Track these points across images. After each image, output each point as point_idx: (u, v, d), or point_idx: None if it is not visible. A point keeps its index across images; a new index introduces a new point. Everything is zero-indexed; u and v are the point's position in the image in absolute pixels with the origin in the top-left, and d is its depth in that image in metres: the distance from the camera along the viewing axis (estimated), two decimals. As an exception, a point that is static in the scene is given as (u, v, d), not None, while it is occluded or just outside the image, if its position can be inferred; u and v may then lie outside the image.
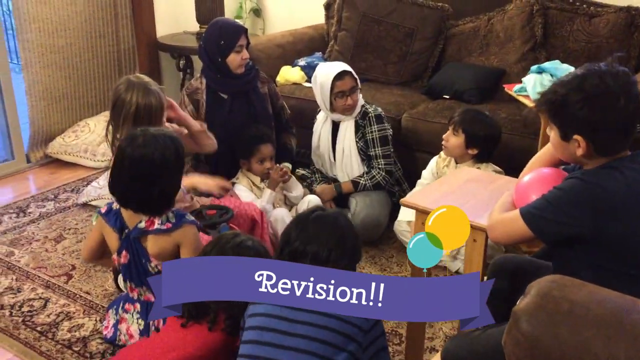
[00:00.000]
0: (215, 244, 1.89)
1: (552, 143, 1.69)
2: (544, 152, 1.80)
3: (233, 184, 2.94)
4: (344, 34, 3.90)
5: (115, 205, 1.98)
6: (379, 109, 3.07)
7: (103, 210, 1.99)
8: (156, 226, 1.90)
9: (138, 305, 2.01)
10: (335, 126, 3.10)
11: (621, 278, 1.55)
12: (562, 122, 1.61)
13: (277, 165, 2.87)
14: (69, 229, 3.18)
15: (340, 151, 3.08)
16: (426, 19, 3.75)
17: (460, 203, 1.83)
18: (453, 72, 3.58)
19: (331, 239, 1.61)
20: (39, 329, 2.43)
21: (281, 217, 2.75)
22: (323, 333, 1.55)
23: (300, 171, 3.38)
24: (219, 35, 2.86)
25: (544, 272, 1.78)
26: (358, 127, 3.03)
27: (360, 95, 3.06)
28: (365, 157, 3.05)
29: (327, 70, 2.99)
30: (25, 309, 2.55)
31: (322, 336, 1.54)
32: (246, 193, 2.87)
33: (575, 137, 1.58)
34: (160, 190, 1.87)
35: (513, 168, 2.93)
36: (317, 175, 3.24)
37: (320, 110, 3.15)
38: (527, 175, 1.77)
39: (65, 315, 2.51)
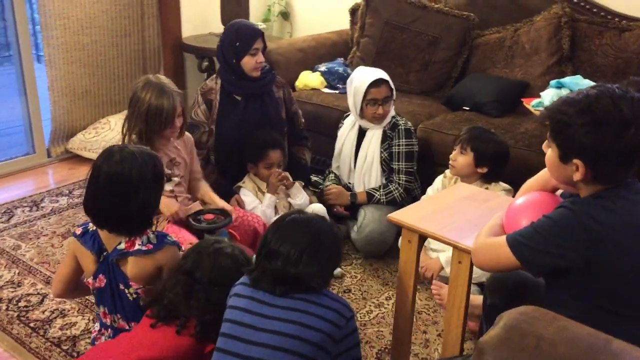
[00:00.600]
0: (193, 249, 1.85)
1: (547, 161, 1.58)
2: (542, 175, 1.69)
3: (239, 187, 2.91)
4: (366, 40, 3.84)
5: (92, 227, 1.92)
6: (409, 123, 3.00)
7: (78, 232, 1.94)
8: (137, 247, 1.84)
9: (110, 331, 1.97)
10: (362, 133, 3.04)
11: (609, 315, 1.45)
12: (564, 143, 1.49)
13: (277, 169, 2.81)
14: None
15: (363, 158, 3.02)
16: (451, 28, 3.65)
17: (448, 222, 1.76)
18: (475, 84, 3.48)
19: (303, 241, 1.58)
20: (32, 325, 2.43)
21: (283, 225, 2.69)
22: (289, 342, 1.52)
23: (314, 177, 3.33)
24: (235, 37, 2.84)
25: (543, 288, 1.68)
26: (385, 138, 2.97)
27: (393, 107, 3.00)
28: (387, 168, 2.98)
29: (364, 75, 2.94)
30: (22, 304, 2.56)
31: (288, 345, 1.51)
32: (250, 198, 2.84)
33: (575, 160, 1.47)
34: (137, 209, 1.82)
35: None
36: (330, 176, 3.18)
37: (348, 114, 3.10)
38: (520, 198, 1.67)
39: (60, 312, 2.51)
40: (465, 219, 1.79)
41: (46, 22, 3.71)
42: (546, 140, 1.55)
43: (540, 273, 1.52)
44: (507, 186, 2.67)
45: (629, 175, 1.48)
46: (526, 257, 1.48)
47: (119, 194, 1.83)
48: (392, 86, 2.94)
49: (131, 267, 1.87)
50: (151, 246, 1.87)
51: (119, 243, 1.87)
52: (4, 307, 2.54)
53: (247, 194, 2.85)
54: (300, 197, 2.87)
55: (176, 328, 1.70)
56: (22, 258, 2.90)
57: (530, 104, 2.85)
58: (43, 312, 2.51)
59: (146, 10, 4.18)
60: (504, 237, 1.52)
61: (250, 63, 2.83)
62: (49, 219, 3.28)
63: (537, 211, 1.54)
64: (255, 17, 4.61)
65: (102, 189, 1.85)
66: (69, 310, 2.52)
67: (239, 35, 2.83)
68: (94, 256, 1.91)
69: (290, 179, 2.91)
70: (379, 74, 2.92)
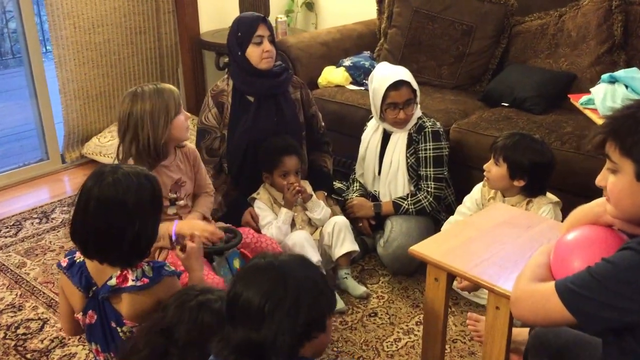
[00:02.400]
0: (175, 300, 1.57)
1: (615, 190, 1.23)
2: (592, 209, 1.37)
3: (253, 199, 2.66)
4: (394, 31, 3.53)
5: (79, 257, 1.69)
6: (438, 124, 2.71)
7: (64, 264, 1.70)
8: (130, 283, 1.61)
9: None
10: (387, 136, 2.76)
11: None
12: None
13: (292, 182, 2.55)
14: (87, 240, 3.01)
15: (388, 165, 2.74)
16: (487, 15, 3.32)
17: (482, 257, 1.47)
18: (515, 76, 3.14)
19: (264, 287, 1.27)
20: (28, 356, 2.24)
21: (300, 242, 2.43)
22: None
23: (337, 184, 3.07)
24: (236, 27, 2.61)
25: (592, 352, 1.40)
26: (411, 142, 2.69)
27: (418, 107, 2.71)
28: (415, 175, 2.70)
29: (383, 75, 2.66)
30: (21, 331, 2.38)
31: None
32: (265, 212, 2.59)
33: None
34: (132, 240, 1.58)
35: (577, 194, 2.51)
36: (355, 185, 2.91)
37: (372, 116, 2.83)
38: (573, 232, 1.36)
39: (60, 341, 2.31)
40: (504, 252, 1.50)
41: (54, 21, 3.52)
42: (604, 170, 1.25)
43: (600, 332, 1.21)
44: (554, 198, 2.35)
45: None
46: (582, 312, 1.18)
47: (111, 222, 1.59)
48: (415, 87, 2.65)
49: (126, 305, 1.65)
50: (147, 280, 1.63)
51: (110, 278, 1.65)
52: (2, 335, 2.36)
53: (262, 207, 2.60)
54: (318, 211, 2.60)
55: None
56: (25, 277, 2.72)
57: (579, 101, 2.52)
58: (42, 340, 2.32)
59: (162, 5, 3.96)
60: (552, 285, 1.23)
61: (256, 52, 2.57)
62: (58, 231, 3.10)
63: (595, 252, 1.24)
64: (277, 8, 4.36)
65: (92, 216, 1.61)
66: (69, 339, 2.32)
67: (240, 24, 2.60)
68: (81, 292, 1.70)
69: (309, 190, 2.65)
70: (399, 74, 2.63)
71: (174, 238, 2.12)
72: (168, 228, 2.10)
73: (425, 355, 1.61)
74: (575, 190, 2.52)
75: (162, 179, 2.20)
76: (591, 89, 2.50)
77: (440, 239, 1.60)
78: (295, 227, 2.59)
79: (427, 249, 1.52)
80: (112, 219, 1.59)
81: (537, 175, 2.31)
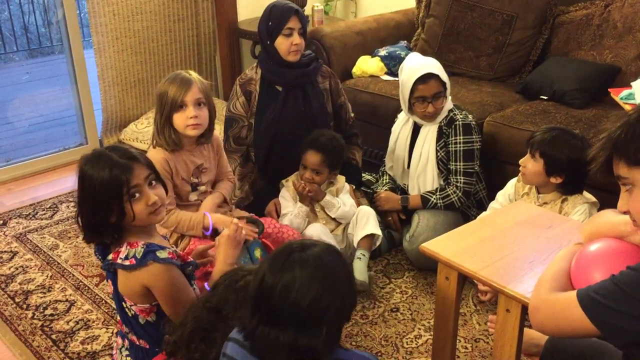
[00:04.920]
0: (224, 280, 1.50)
1: (637, 209, 1.14)
2: (617, 228, 1.28)
3: (282, 184, 2.66)
4: (432, 20, 3.45)
5: None
6: (470, 117, 2.63)
7: None
8: (118, 260, 1.62)
9: (127, 342, 1.77)
10: (417, 129, 2.70)
11: None
12: None
13: (306, 177, 2.53)
14: (118, 224, 3.06)
15: (417, 158, 2.68)
16: (529, 4, 3.21)
17: (496, 257, 1.42)
18: (555, 69, 3.03)
19: (312, 289, 1.20)
20: (54, 336, 2.29)
21: (317, 235, 2.40)
22: None
23: (366, 176, 3.03)
24: (268, 16, 2.59)
25: None
26: (441, 135, 2.62)
27: (450, 99, 2.64)
28: (444, 169, 2.64)
29: (412, 67, 2.59)
30: (48, 311, 2.43)
31: None
32: (287, 202, 2.57)
33: None
34: (84, 219, 1.63)
35: (615, 193, 2.40)
36: (384, 178, 2.87)
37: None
38: (596, 243, 1.29)
39: (85, 323, 2.36)
40: (520, 252, 1.43)
41: (94, 8, 3.57)
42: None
43: (625, 345, 1.14)
44: (591, 198, 2.24)
45: None
46: (605, 323, 1.11)
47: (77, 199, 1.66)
48: (445, 79, 2.57)
49: (120, 282, 1.66)
50: (133, 261, 1.61)
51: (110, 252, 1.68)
52: (30, 315, 2.42)
53: (285, 196, 2.59)
54: (333, 211, 2.53)
55: None
56: (57, 259, 2.78)
57: (619, 95, 2.40)
58: (68, 322, 2.37)
59: (200, -8, 3.97)
60: (574, 294, 1.15)
61: (285, 45, 2.54)
62: (92, 215, 3.16)
63: (618, 264, 1.17)
64: (317, -5, 4.31)
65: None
66: (94, 322, 2.37)
67: (272, 13, 2.57)
68: (99, 260, 1.76)
69: (339, 185, 2.60)
70: (428, 67, 2.55)
71: (209, 231, 2.16)
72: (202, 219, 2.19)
73: (435, 356, 1.56)
74: (614, 189, 2.40)
75: (185, 163, 2.24)
76: (632, 84, 2.38)
77: (454, 237, 1.54)
78: (316, 220, 2.56)
79: (439, 246, 1.47)
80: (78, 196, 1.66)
81: (575, 172, 2.20)
